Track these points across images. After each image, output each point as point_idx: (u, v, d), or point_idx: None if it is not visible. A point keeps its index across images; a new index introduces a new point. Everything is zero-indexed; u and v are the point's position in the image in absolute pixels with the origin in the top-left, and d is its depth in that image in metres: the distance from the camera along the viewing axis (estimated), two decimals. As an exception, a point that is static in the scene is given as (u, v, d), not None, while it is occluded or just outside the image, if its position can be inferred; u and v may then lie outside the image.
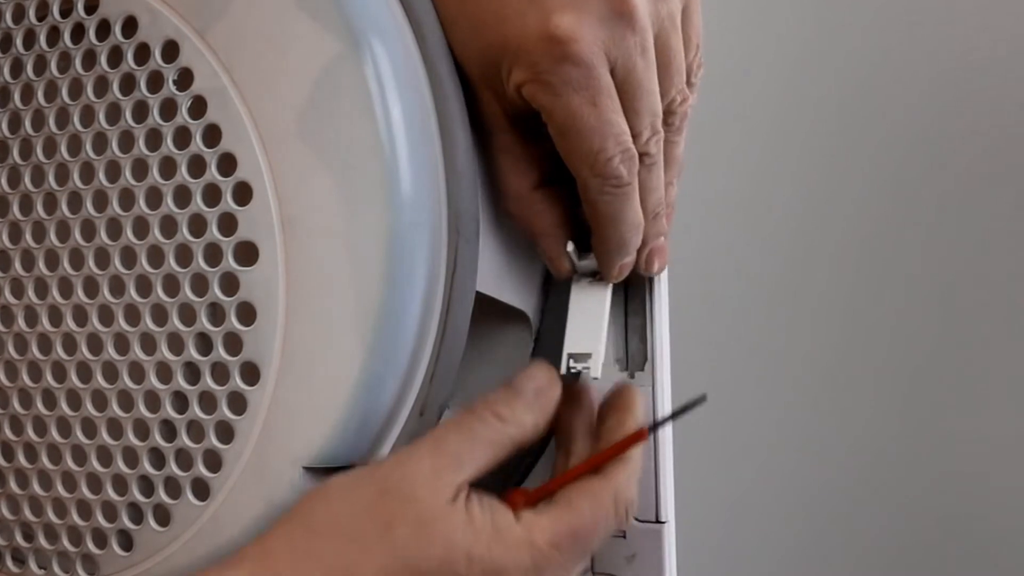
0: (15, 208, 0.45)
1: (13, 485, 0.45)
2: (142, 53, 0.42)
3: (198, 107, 0.41)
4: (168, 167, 0.42)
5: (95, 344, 0.43)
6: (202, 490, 0.42)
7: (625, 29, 0.39)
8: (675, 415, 0.41)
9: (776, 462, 0.54)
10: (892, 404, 0.62)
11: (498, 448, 0.40)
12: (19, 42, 0.45)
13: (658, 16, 0.40)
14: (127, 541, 0.44)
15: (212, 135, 0.41)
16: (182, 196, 0.42)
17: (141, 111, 0.42)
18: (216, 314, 0.41)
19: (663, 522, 0.45)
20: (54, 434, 0.44)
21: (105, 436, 0.43)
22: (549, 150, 0.41)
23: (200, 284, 0.41)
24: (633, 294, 0.46)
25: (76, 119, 0.43)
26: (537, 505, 0.40)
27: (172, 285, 0.42)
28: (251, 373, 0.41)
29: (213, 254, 0.41)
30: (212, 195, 0.41)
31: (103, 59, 0.43)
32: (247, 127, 0.40)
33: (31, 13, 0.45)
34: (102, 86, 0.43)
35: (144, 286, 0.42)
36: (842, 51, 0.59)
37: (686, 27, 0.42)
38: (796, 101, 0.56)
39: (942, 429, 0.66)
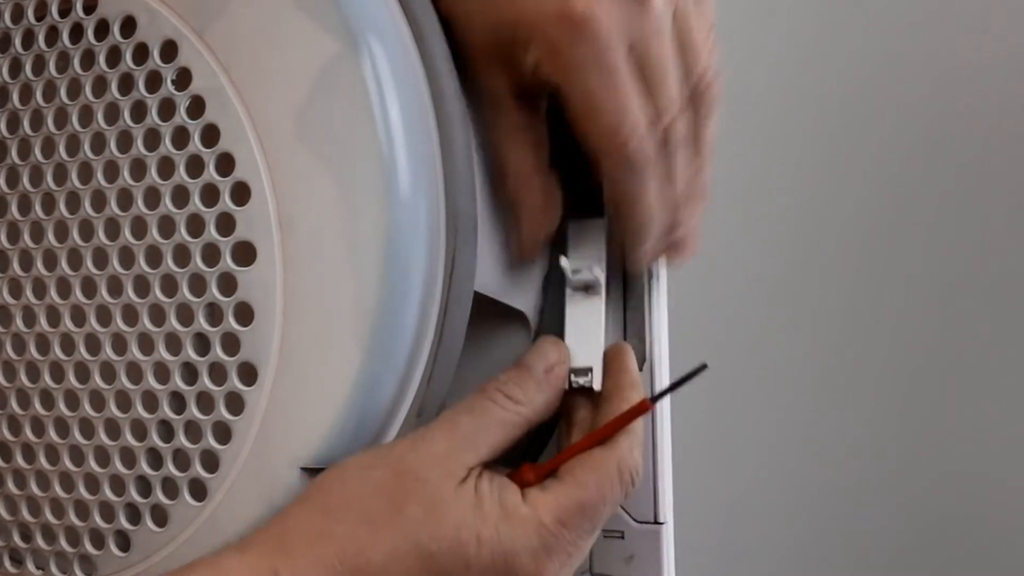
0: (13, 208, 0.45)
1: (11, 485, 0.45)
2: (140, 53, 0.42)
3: (196, 107, 0.41)
4: (166, 167, 0.42)
5: (93, 344, 0.43)
6: (199, 491, 0.42)
7: (642, 9, 0.39)
8: (677, 385, 0.41)
9: (775, 462, 0.54)
10: (892, 404, 0.62)
11: (511, 428, 0.40)
12: (18, 42, 0.45)
13: None
14: (124, 542, 0.44)
15: (210, 135, 0.41)
16: (180, 196, 0.41)
17: (139, 111, 0.42)
18: (214, 314, 0.41)
19: (661, 523, 0.45)
20: (52, 434, 0.44)
21: (103, 436, 0.43)
22: (550, 132, 0.41)
23: (198, 284, 0.41)
24: (632, 292, 0.46)
25: (74, 119, 0.43)
26: (544, 482, 0.40)
27: (170, 285, 0.42)
28: (249, 374, 0.41)
29: (211, 254, 0.41)
30: (210, 195, 0.41)
31: (101, 59, 0.43)
32: (245, 127, 0.40)
33: (30, 13, 0.44)
34: (100, 86, 0.43)
35: (142, 286, 0.42)
36: (842, 52, 0.59)
37: (701, 6, 0.42)
38: (795, 100, 0.56)
39: (942, 429, 0.66)
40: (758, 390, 0.52)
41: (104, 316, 0.43)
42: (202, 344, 0.42)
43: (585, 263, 0.43)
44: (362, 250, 0.39)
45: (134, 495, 0.43)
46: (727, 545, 0.50)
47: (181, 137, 0.41)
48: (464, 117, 0.41)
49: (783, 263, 0.54)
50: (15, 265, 0.45)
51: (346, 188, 0.39)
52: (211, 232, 0.41)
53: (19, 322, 0.45)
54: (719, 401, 0.49)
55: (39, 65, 0.44)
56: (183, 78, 0.41)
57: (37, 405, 0.45)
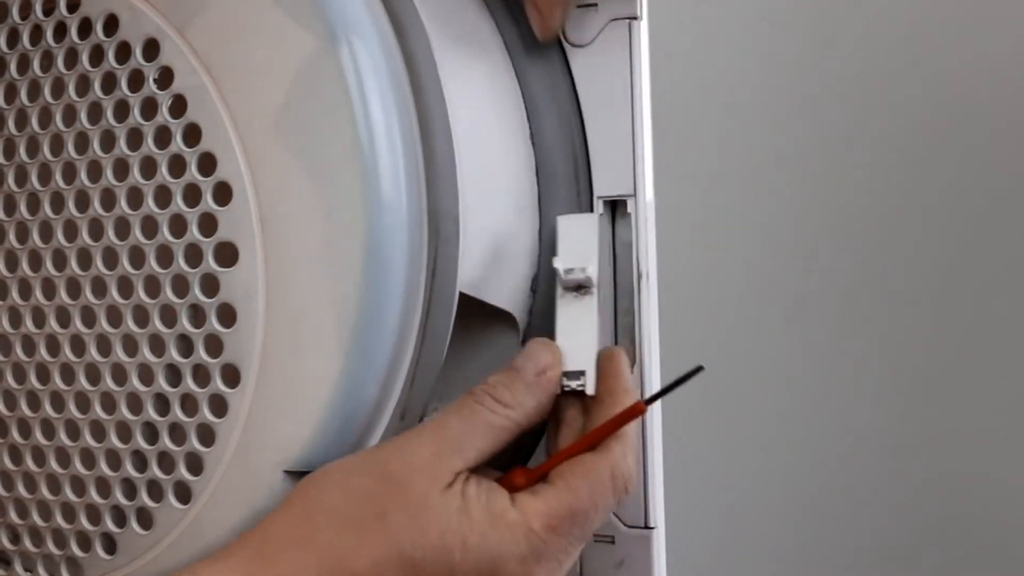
0: (-1, 208, 0.45)
1: (-2, 487, 0.45)
2: (123, 51, 0.42)
3: (178, 106, 0.41)
4: (149, 167, 0.41)
5: (78, 345, 0.43)
6: (184, 493, 0.42)
7: None
8: (671, 387, 0.40)
9: (769, 465, 0.53)
10: (890, 404, 0.62)
11: (501, 432, 0.39)
12: (2, 41, 0.44)
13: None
14: (110, 544, 0.43)
15: (192, 134, 0.41)
16: (163, 196, 0.41)
17: (122, 110, 0.42)
18: (197, 315, 0.41)
19: (652, 528, 0.44)
20: (38, 436, 0.44)
21: (88, 438, 0.43)
22: None
23: (181, 285, 0.41)
24: (623, 294, 0.45)
25: (58, 118, 0.43)
26: (534, 487, 0.39)
27: (153, 286, 0.41)
28: (232, 375, 0.40)
29: (194, 255, 0.41)
30: (192, 195, 0.41)
31: (84, 57, 0.43)
32: (227, 126, 0.40)
33: (14, 12, 0.44)
34: (84, 85, 0.43)
35: (126, 287, 0.42)
36: (842, 52, 0.58)
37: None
38: (793, 100, 0.55)
39: (941, 430, 0.65)
40: (751, 391, 0.51)
41: (88, 317, 0.43)
42: (185, 345, 0.41)
43: (577, 262, 0.43)
44: (342, 251, 0.39)
45: (120, 497, 0.43)
46: (720, 550, 0.49)
47: (163, 136, 0.41)
48: (446, 116, 0.40)
49: (776, 263, 0.53)
50: (0, 266, 0.44)
51: (326, 188, 0.39)
52: (194, 232, 0.41)
53: (5, 323, 0.45)
54: (711, 403, 0.49)
55: (24, 64, 0.44)
56: (165, 77, 0.41)
57: (24, 407, 0.44)
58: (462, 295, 0.41)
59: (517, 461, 0.44)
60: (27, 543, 0.45)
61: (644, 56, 0.44)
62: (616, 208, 0.45)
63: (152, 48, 0.41)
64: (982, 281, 0.68)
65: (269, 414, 0.40)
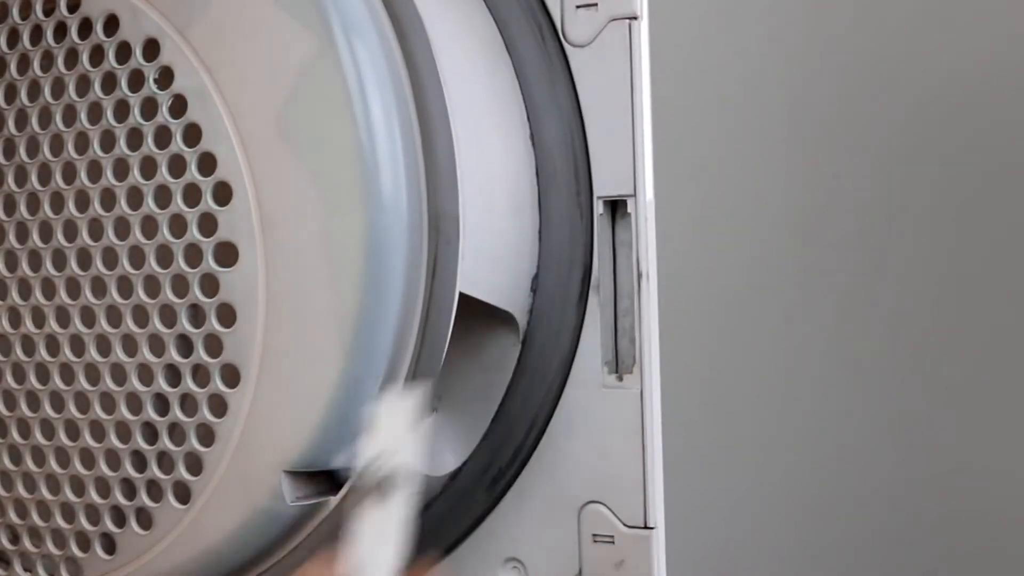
0: (-1, 208, 0.45)
1: (-2, 487, 0.45)
2: (123, 51, 0.42)
3: (179, 106, 0.41)
4: (149, 166, 0.41)
5: (77, 345, 0.43)
6: (183, 494, 0.42)
7: None
8: None
9: (769, 465, 0.53)
10: (891, 406, 0.62)
11: None
12: (2, 41, 0.44)
13: None
14: (110, 544, 0.43)
15: (192, 134, 0.41)
16: (163, 196, 0.41)
17: (122, 110, 0.42)
18: (197, 316, 0.41)
19: (651, 528, 0.44)
20: (38, 436, 0.44)
21: (88, 438, 0.43)
22: None
23: (181, 285, 0.41)
24: (622, 294, 0.45)
25: (58, 118, 0.43)
26: None
27: (153, 286, 0.41)
28: (232, 375, 0.40)
29: (194, 255, 0.41)
30: (192, 195, 0.41)
31: (85, 57, 0.43)
32: (227, 126, 0.40)
33: (14, 12, 0.44)
34: (84, 85, 0.43)
35: (125, 287, 0.42)
36: (844, 52, 0.59)
37: None
38: (794, 99, 0.55)
39: (944, 430, 0.65)
40: (751, 391, 0.51)
41: (88, 317, 0.43)
42: (185, 345, 0.41)
43: (384, 450, 0.35)
44: (342, 251, 0.39)
45: (119, 498, 0.43)
46: (720, 550, 0.49)
47: (163, 136, 0.41)
48: (446, 116, 0.40)
49: (777, 263, 0.53)
50: (0, 266, 0.44)
51: (326, 188, 0.39)
52: (193, 232, 0.41)
53: (4, 323, 0.45)
54: (711, 402, 0.49)
55: (24, 64, 0.44)
56: (165, 77, 0.41)
57: (23, 407, 0.44)
58: (462, 295, 0.41)
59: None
60: (26, 543, 0.45)
61: (644, 56, 0.44)
62: (616, 208, 0.45)
63: (152, 48, 0.41)
64: (986, 280, 0.68)
65: (269, 414, 0.40)
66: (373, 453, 0.35)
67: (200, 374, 0.41)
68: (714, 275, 0.49)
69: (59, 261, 0.43)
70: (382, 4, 0.40)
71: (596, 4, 0.45)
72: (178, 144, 0.41)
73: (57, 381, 0.44)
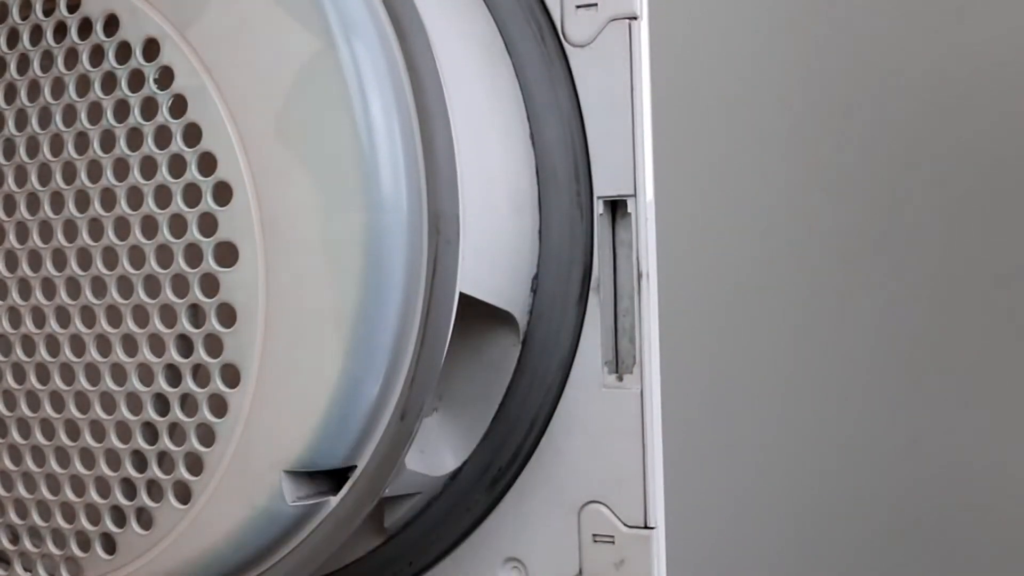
0: (-1, 208, 0.45)
1: (-2, 487, 0.45)
2: (123, 51, 0.42)
3: (178, 106, 0.41)
4: (149, 166, 0.41)
5: (77, 345, 0.43)
6: (184, 493, 0.42)
7: None
8: None
9: (771, 464, 0.53)
10: (892, 406, 0.62)
11: None
12: (2, 41, 0.44)
13: None
14: (110, 544, 0.43)
15: (192, 134, 0.41)
16: (163, 196, 0.41)
17: (122, 110, 0.42)
18: (197, 316, 0.41)
19: (652, 528, 0.44)
20: (38, 436, 0.44)
21: (88, 438, 0.43)
22: None
23: (181, 285, 0.41)
24: (622, 294, 0.45)
25: (58, 118, 0.43)
26: None
27: (153, 286, 0.41)
28: (232, 375, 0.40)
29: (194, 255, 0.41)
30: (192, 195, 0.41)
31: (84, 57, 0.43)
32: (227, 126, 0.40)
33: (14, 12, 0.44)
34: (84, 85, 0.43)
35: (125, 287, 0.42)
36: (845, 51, 0.59)
37: None
38: (795, 99, 0.55)
39: (947, 430, 0.65)
40: (752, 390, 0.51)
41: (88, 317, 0.43)
42: (185, 346, 0.41)
43: None
44: (342, 251, 0.39)
45: (119, 497, 0.43)
46: (720, 550, 0.49)
47: (163, 136, 0.41)
48: (446, 115, 0.40)
49: (778, 262, 0.53)
50: (0, 266, 0.44)
51: (326, 187, 0.39)
52: (193, 232, 0.41)
53: (5, 323, 0.45)
54: (712, 402, 0.49)
55: (24, 64, 0.44)
56: (165, 77, 0.41)
57: (23, 406, 0.44)
58: (462, 295, 0.41)
59: None
60: (27, 543, 0.45)
61: (644, 56, 0.44)
62: (616, 208, 0.45)
63: (152, 48, 0.41)
64: (986, 280, 0.68)
65: (269, 414, 0.40)
66: None
67: (200, 374, 0.41)
68: (714, 275, 0.49)
69: (59, 261, 0.43)
70: (382, 4, 0.40)
71: (596, 4, 0.45)
72: (178, 144, 0.41)
73: (57, 381, 0.44)
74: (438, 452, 0.47)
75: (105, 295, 0.42)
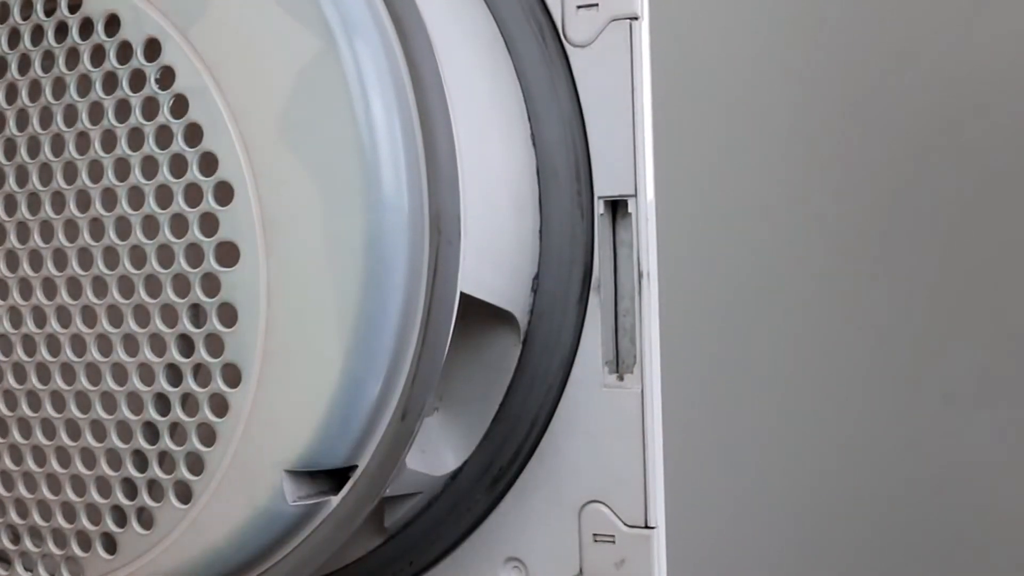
0: (0, 209, 0.45)
1: (-1, 487, 0.45)
2: (124, 51, 0.42)
3: (180, 106, 0.41)
4: (150, 166, 0.41)
5: (79, 345, 0.43)
6: (185, 493, 0.42)
7: None
8: None
9: (772, 464, 0.53)
10: (893, 407, 0.62)
11: None
12: (3, 41, 0.44)
13: None
14: (111, 544, 0.43)
15: (193, 134, 0.41)
16: (164, 196, 0.41)
17: (123, 110, 0.42)
18: (198, 315, 0.41)
19: (652, 527, 0.44)
20: (39, 436, 0.44)
21: (89, 438, 0.43)
22: None
23: (182, 285, 0.41)
24: (623, 294, 0.45)
25: (59, 118, 0.43)
26: None
27: (154, 286, 0.41)
28: (233, 375, 0.40)
29: (195, 254, 0.41)
30: (193, 195, 0.41)
31: (86, 57, 0.43)
32: (228, 126, 0.40)
33: (15, 12, 0.44)
34: (85, 85, 0.43)
35: (126, 287, 0.42)
36: (845, 51, 0.59)
37: None
38: (795, 99, 0.55)
39: (948, 431, 0.65)
40: (752, 390, 0.51)
41: (89, 317, 0.43)
42: (186, 345, 0.41)
43: None
44: (343, 250, 0.39)
45: (120, 497, 0.43)
46: (722, 551, 0.49)
47: (165, 136, 0.41)
48: (447, 115, 0.40)
49: (779, 262, 0.53)
50: (1, 266, 0.44)
51: (327, 187, 0.39)
52: (194, 232, 0.41)
53: (6, 323, 0.45)
54: (712, 402, 0.49)
55: (25, 64, 0.44)
56: (167, 77, 0.41)
57: (24, 406, 0.44)
58: (463, 295, 0.41)
59: None
60: (27, 543, 0.45)
61: (645, 56, 0.44)
62: (617, 208, 0.45)
63: (154, 48, 0.41)
64: (987, 280, 0.68)
65: (270, 414, 0.40)
66: None
67: (201, 374, 0.41)
68: (715, 275, 0.49)
69: (60, 261, 0.43)
70: (383, 4, 0.40)
71: (597, 4, 0.45)
72: (179, 144, 0.41)
73: (58, 381, 0.44)
74: (439, 452, 0.47)
75: (106, 295, 0.42)
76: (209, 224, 0.40)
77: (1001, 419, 0.70)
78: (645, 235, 0.45)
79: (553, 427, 0.46)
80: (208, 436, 0.41)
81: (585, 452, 0.45)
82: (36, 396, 0.44)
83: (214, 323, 0.41)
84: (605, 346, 0.45)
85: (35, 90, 0.44)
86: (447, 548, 0.48)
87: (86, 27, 0.43)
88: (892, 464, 0.61)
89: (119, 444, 0.43)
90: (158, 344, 0.42)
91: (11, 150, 0.44)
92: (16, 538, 0.45)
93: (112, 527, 0.43)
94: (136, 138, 0.42)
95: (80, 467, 0.43)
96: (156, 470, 0.42)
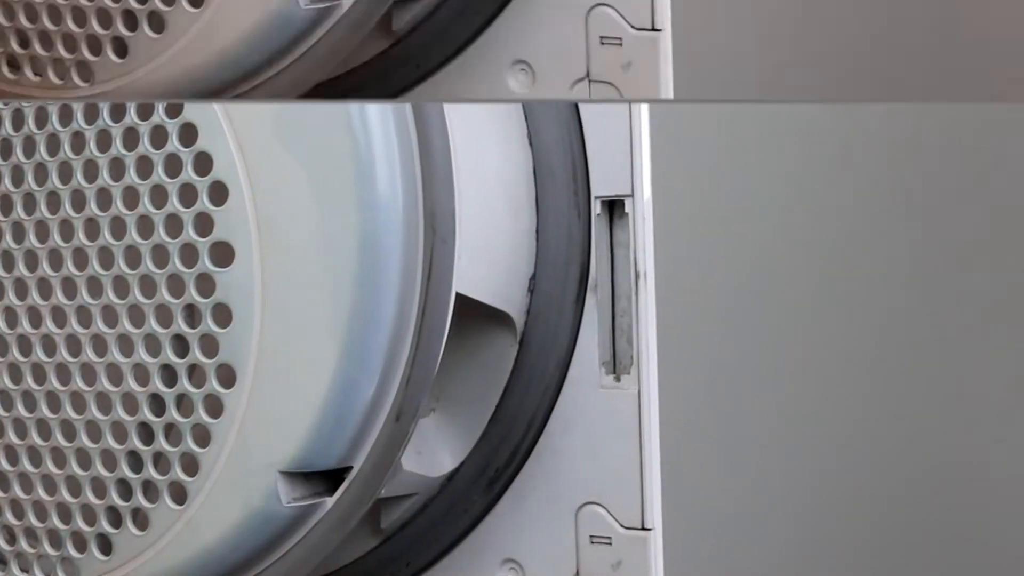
0: (-5, 208, 0.45)
1: (-6, 488, 0.45)
2: (119, 51, 0.42)
3: (175, 106, 0.41)
4: (145, 166, 0.41)
5: (74, 345, 0.43)
6: (180, 494, 0.42)
7: None
8: None
9: (770, 465, 0.53)
10: (894, 407, 0.61)
11: None
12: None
13: None
14: (106, 545, 0.43)
15: (188, 134, 0.41)
16: (159, 196, 0.41)
17: (119, 110, 0.42)
18: (193, 316, 0.41)
19: (649, 529, 0.44)
20: (34, 436, 0.44)
21: (84, 439, 0.43)
22: None
23: (177, 285, 0.41)
24: (620, 294, 0.45)
25: (54, 118, 0.43)
26: None
27: (149, 286, 0.41)
28: (227, 375, 0.40)
29: (189, 255, 0.41)
30: (188, 195, 0.41)
31: (81, 57, 0.43)
32: (223, 125, 0.40)
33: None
34: (80, 84, 0.43)
35: (121, 287, 0.42)
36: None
37: None
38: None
39: (949, 431, 0.65)
40: (751, 391, 0.51)
41: (84, 317, 0.43)
42: (181, 346, 0.41)
43: None
44: (337, 250, 0.38)
45: (115, 498, 0.43)
46: (719, 552, 0.49)
47: (159, 136, 0.41)
48: (442, 114, 0.40)
49: (776, 262, 0.53)
50: (-3, 266, 0.45)
51: (322, 187, 0.39)
52: (189, 232, 0.40)
53: (1, 323, 0.45)
54: (710, 402, 0.49)
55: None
56: (161, 76, 0.41)
57: (19, 407, 0.44)
58: (458, 295, 0.41)
59: None
60: (23, 544, 0.45)
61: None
62: (614, 208, 0.45)
63: (148, 47, 0.41)
64: (987, 280, 0.68)
65: (264, 415, 0.40)
66: None
67: (196, 374, 0.41)
68: (713, 275, 0.49)
69: (55, 261, 0.43)
70: (378, 3, 0.40)
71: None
72: (174, 144, 0.41)
73: (53, 381, 0.44)
74: (435, 453, 0.46)
75: (101, 295, 0.42)
76: (204, 224, 0.40)
77: (1001, 419, 0.69)
78: (642, 235, 0.44)
79: (550, 428, 0.46)
80: (203, 437, 0.41)
81: (582, 453, 0.45)
82: (31, 397, 0.44)
83: (209, 323, 0.40)
84: (602, 347, 0.45)
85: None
86: (444, 550, 0.48)
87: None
88: (889, 465, 0.61)
89: (114, 445, 0.42)
90: (153, 344, 0.42)
91: (6, 150, 0.44)
92: (12, 539, 0.45)
93: (107, 528, 0.43)
94: (131, 138, 0.42)
95: (75, 468, 0.43)
96: (151, 471, 0.42)
